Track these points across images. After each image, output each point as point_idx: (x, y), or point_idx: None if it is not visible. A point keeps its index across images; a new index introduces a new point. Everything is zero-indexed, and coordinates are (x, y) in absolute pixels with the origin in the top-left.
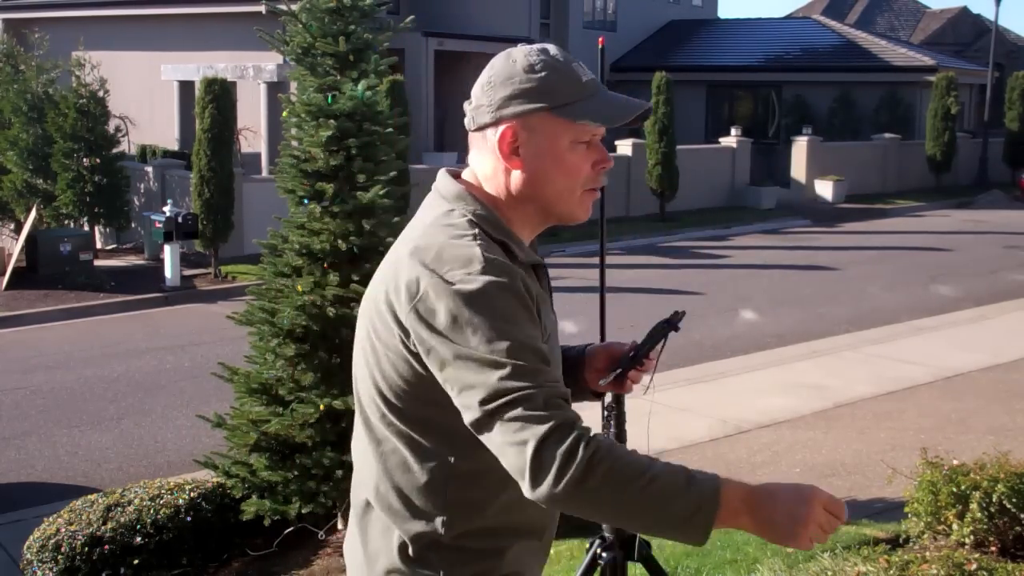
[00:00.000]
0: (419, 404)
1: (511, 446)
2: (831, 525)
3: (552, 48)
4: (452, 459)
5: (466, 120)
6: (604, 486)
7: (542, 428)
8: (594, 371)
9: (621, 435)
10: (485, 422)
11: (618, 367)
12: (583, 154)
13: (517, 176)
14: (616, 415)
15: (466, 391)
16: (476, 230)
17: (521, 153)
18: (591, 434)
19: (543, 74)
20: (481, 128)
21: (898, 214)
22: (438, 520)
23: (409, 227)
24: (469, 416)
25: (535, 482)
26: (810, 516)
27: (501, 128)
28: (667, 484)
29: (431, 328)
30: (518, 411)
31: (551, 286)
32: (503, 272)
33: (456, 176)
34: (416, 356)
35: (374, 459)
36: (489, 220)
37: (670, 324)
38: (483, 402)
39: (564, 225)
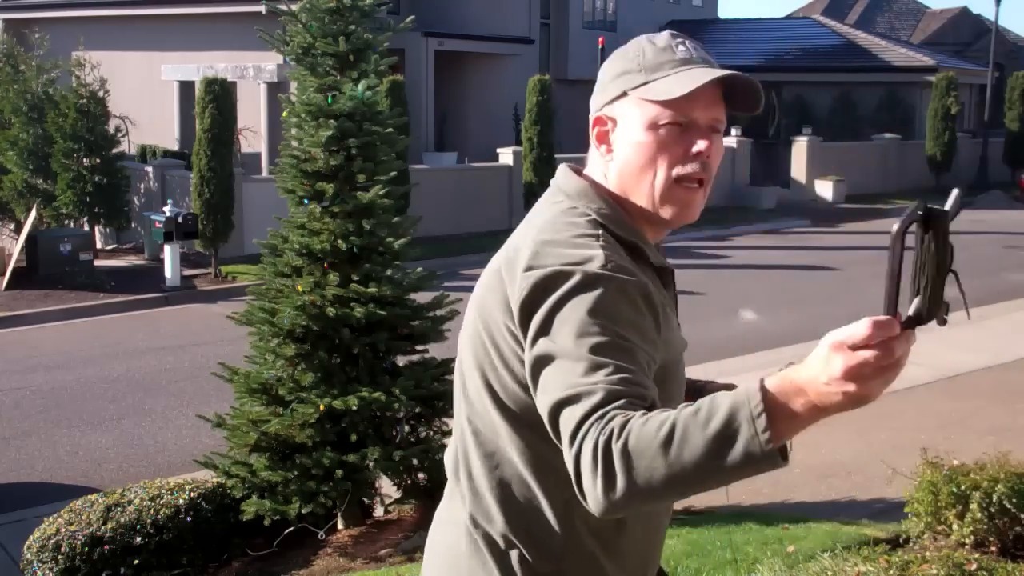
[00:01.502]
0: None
1: (567, 450)
2: (884, 354)
3: (664, 34)
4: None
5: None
6: (644, 454)
7: (583, 430)
8: None
9: None
10: (552, 421)
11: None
12: (670, 139)
13: (612, 169)
14: None
15: (547, 387)
16: (600, 231)
17: (612, 142)
18: (623, 419)
19: (626, 59)
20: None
21: (898, 214)
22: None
23: (522, 226)
24: (543, 411)
25: (583, 495)
26: (849, 360)
27: (593, 119)
28: (696, 415)
29: (535, 325)
30: (574, 409)
31: (676, 292)
32: (619, 278)
33: (579, 172)
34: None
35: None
36: (614, 219)
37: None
38: (557, 399)
39: (670, 229)
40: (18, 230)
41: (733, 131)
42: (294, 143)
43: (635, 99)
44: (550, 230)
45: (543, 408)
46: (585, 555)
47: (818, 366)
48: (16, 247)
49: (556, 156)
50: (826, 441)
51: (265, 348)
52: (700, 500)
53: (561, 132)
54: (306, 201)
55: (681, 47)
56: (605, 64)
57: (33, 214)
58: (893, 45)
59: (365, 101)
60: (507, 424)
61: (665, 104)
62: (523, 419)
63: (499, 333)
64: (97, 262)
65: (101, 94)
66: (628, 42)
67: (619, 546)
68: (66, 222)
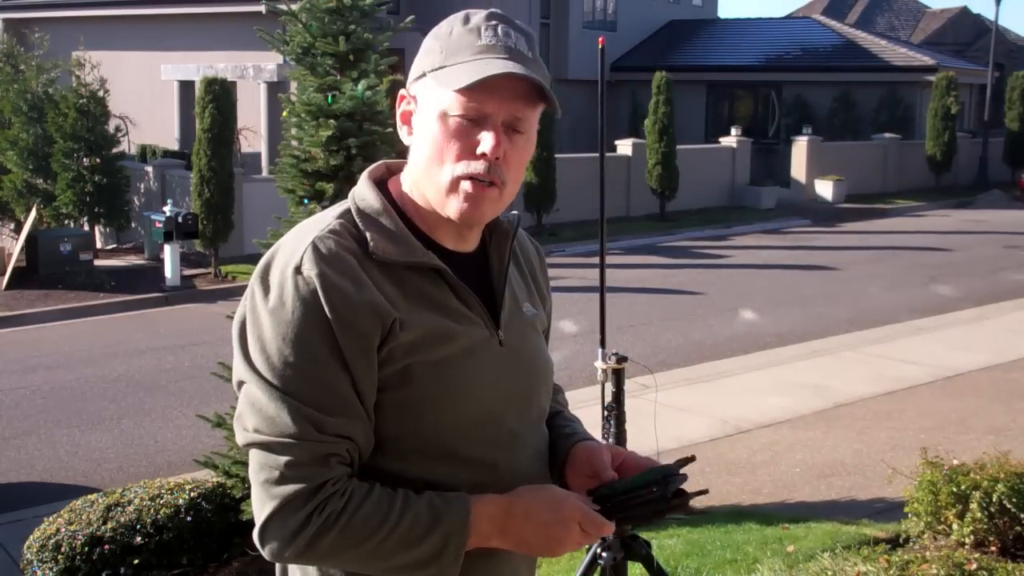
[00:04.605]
0: None
1: (259, 491)
2: (585, 542)
3: (479, 14)
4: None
5: None
6: (334, 550)
7: (287, 490)
8: (576, 474)
9: (620, 435)
10: (246, 449)
11: (595, 501)
12: (459, 131)
13: (411, 152)
14: (616, 415)
15: (240, 417)
16: (337, 221)
17: (411, 121)
18: (332, 495)
19: (436, 38)
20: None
21: (898, 214)
22: None
23: None
24: (238, 439)
25: (263, 541)
26: (567, 540)
27: (399, 96)
28: (408, 533)
29: (241, 324)
30: (275, 459)
31: (473, 292)
32: (316, 276)
33: (384, 165)
34: None
35: None
36: (368, 210)
37: (667, 481)
38: (252, 431)
39: (467, 225)
40: (18, 230)
41: (733, 131)
42: (294, 143)
43: (432, 82)
44: (298, 226)
45: (237, 436)
46: None
47: (544, 523)
48: (16, 247)
49: (556, 156)
50: (826, 440)
51: None
52: (700, 501)
53: (561, 132)
54: (306, 201)
55: (489, 32)
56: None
57: (33, 214)
58: (893, 45)
59: (365, 101)
60: None
61: (458, 93)
62: None
63: None
64: (97, 262)
65: (101, 94)
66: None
67: None
68: (66, 222)
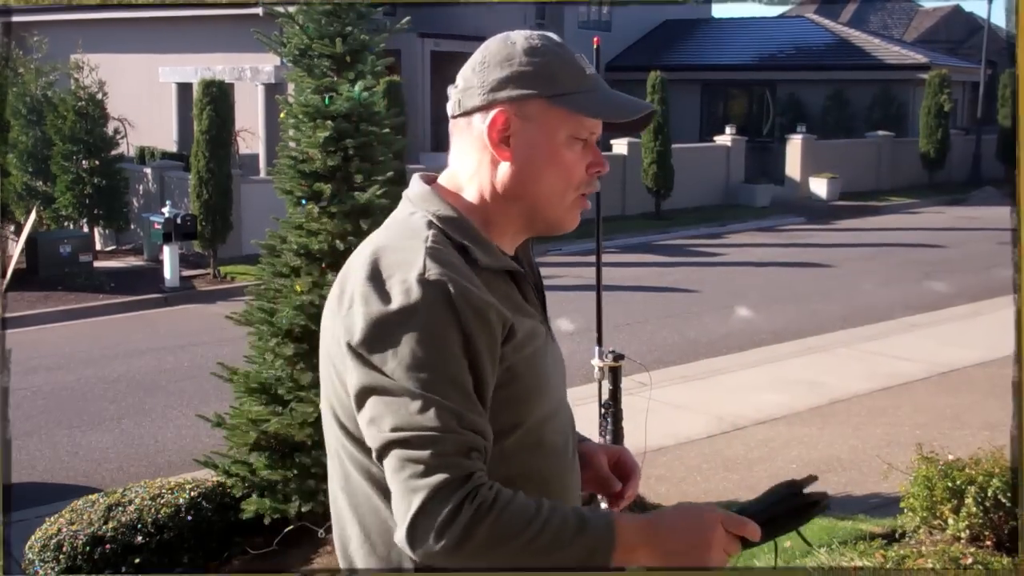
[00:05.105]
0: None
1: (402, 488)
2: (733, 547)
3: (553, 35)
4: None
5: (450, 105)
6: (488, 543)
7: (436, 479)
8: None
9: (618, 432)
10: (384, 452)
11: None
12: (579, 153)
13: (505, 169)
14: (613, 412)
15: (375, 421)
16: (432, 231)
17: (512, 143)
18: (481, 486)
19: (545, 58)
20: (468, 113)
21: (892, 211)
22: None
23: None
24: (373, 444)
25: (412, 539)
26: (713, 541)
27: (493, 112)
28: (558, 532)
29: (355, 339)
30: (419, 454)
31: (542, 293)
32: (447, 280)
33: (431, 180)
34: None
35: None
36: (453, 221)
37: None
38: (390, 431)
39: (548, 236)
40: (18, 232)
41: (728, 129)
42: (291, 144)
43: (551, 106)
44: (382, 236)
45: (372, 441)
46: None
47: (689, 528)
48: (16, 249)
49: None
50: (821, 437)
51: (264, 348)
52: (698, 499)
53: None
54: (304, 202)
55: (579, 57)
56: (495, 51)
57: (33, 216)
58: (886, 43)
59: (362, 102)
60: (350, 445)
61: (582, 119)
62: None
63: (338, 357)
64: (96, 263)
65: (99, 96)
66: (511, 32)
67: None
68: (65, 224)
